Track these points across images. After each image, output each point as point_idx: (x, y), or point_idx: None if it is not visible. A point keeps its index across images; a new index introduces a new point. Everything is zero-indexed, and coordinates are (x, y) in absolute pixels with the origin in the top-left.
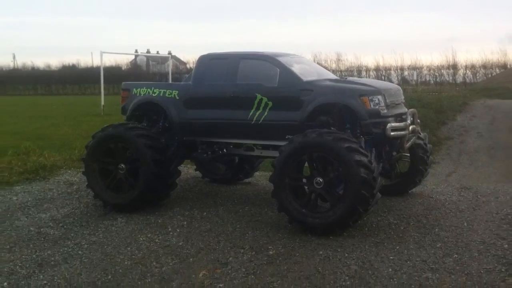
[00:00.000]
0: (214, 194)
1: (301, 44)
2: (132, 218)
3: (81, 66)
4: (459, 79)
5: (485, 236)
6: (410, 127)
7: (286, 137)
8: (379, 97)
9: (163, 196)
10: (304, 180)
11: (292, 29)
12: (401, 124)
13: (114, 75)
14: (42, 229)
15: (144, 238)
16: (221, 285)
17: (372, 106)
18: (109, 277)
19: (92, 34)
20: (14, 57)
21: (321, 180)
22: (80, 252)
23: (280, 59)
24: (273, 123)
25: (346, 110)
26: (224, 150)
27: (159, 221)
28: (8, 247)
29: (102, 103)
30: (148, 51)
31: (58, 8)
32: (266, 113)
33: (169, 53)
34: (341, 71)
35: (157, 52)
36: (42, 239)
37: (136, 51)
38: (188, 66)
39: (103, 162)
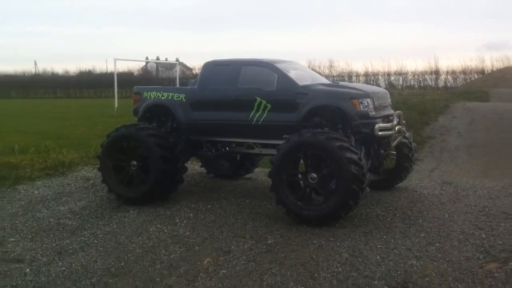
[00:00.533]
0: (217, 188)
1: (297, 52)
2: (143, 210)
3: (97, 72)
4: (441, 83)
5: (464, 227)
6: (396, 127)
7: (283, 136)
8: (368, 100)
9: (171, 190)
10: (300, 176)
11: (289, 38)
12: (388, 124)
13: (126, 80)
14: (61, 220)
15: (154, 229)
16: (224, 271)
17: (361, 108)
18: (122, 264)
19: (107, 43)
20: (35, 64)
21: (315, 175)
22: (95, 241)
23: (278, 65)
24: (272, 123)
25: (338, 112)
26: (227, 148)
27: (168, 213)
28: (30, 236)
29: (116, 105)
30: (157, 58)
31: (75, 19)
32: (265, 114)
33: (177, 60)
34: (333, 76)
35: (166, 59)
36: (61, 229)
37: (147, 58)
38: (194, 71)
39: (117, 159)
